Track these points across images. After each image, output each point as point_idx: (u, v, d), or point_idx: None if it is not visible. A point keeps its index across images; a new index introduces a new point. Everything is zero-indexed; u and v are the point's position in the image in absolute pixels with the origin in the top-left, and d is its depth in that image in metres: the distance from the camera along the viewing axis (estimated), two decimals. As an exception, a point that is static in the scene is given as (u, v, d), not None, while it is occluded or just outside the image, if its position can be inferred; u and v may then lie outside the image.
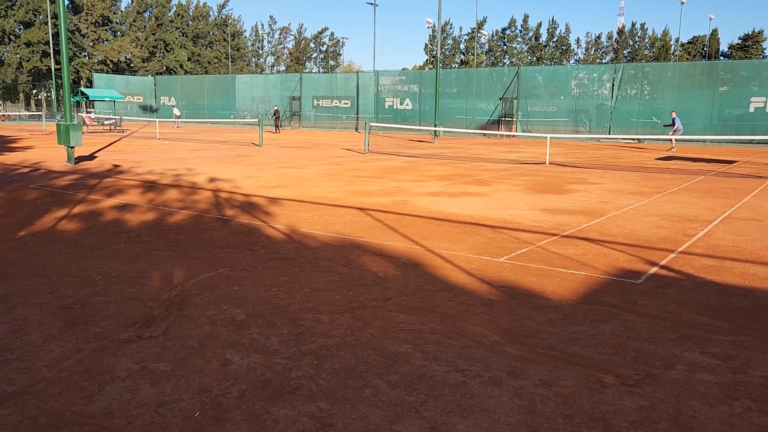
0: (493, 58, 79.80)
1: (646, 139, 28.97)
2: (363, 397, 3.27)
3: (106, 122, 36.78)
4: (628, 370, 3.66)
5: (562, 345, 4.03)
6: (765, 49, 71.95)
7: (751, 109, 28.53)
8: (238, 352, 3.84)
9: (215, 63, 78.11)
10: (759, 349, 3.99)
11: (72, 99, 34.31)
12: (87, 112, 42.73)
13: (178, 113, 43.02)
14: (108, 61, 66.99)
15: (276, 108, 37.52)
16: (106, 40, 67.35)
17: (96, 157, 18.17)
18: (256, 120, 28.38)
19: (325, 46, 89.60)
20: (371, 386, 3.40)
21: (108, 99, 37.59)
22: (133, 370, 3.58)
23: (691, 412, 3.16)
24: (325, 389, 3.36)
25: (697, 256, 6.54)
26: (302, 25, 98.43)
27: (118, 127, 35.12)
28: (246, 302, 4.83)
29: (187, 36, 76.00)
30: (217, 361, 3.72)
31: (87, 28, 65.67)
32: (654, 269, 5.96)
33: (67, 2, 61.96)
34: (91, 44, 66.07)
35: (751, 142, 26.31)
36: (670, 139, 24.86)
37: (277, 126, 36.21)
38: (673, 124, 24.21)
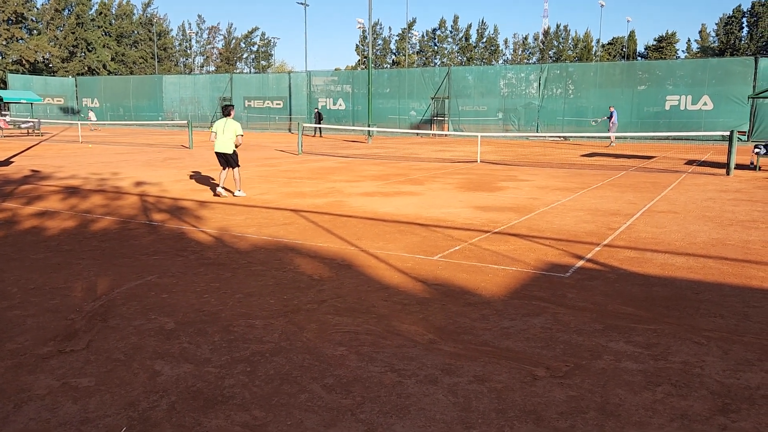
0: (424, 59, 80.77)
1: (571, 136, 30.04)
2: (298, 403, 3.22)
3: (23, 125, 34.80)
4: (558, 362, 3.76)
5: (495, 340, 4.11)
6: (678, 50, 76.20)
7: (667, 107, 30.12)
8: (168, 363, 3.71)
9: (141, 63, 75.40)
10: (678, 336, 4.20)
11: (-16, 101, 32.40)
12: (1, 115, 40.36)
13: (94, 118, 41.90)
14: (24, 61, 63.42)
15: (317, 110, 35.72)
16: (21, 39, 63.69)
17: (12, 162, 17.18)
18: (185, 122, 27.56)
19: (256, 47, 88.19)
20: (306, 391, 3.35)
21: (25, 101, 35.67)
22: (54, 387, 3.39)
23: (617, 400, 3.28)
24: (259, 396, 3.29)
25: (620, 248, 6.82)
26: (232, 24, 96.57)
27: (36, 131, 33.36)
28: (176, 310, 4.67)
29: (110, 35, 73.00)
30: (145, 373, 3.58)
31: (-1, 25, 61.96)
32: (581, 263, 6.18)
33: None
34: (3, 43, 62.36)
35: (667, 138, 27.76)
36: (609, 136, 25.74)
37: (317, 129, 34.39)
38: (611, 117, 25.20)
